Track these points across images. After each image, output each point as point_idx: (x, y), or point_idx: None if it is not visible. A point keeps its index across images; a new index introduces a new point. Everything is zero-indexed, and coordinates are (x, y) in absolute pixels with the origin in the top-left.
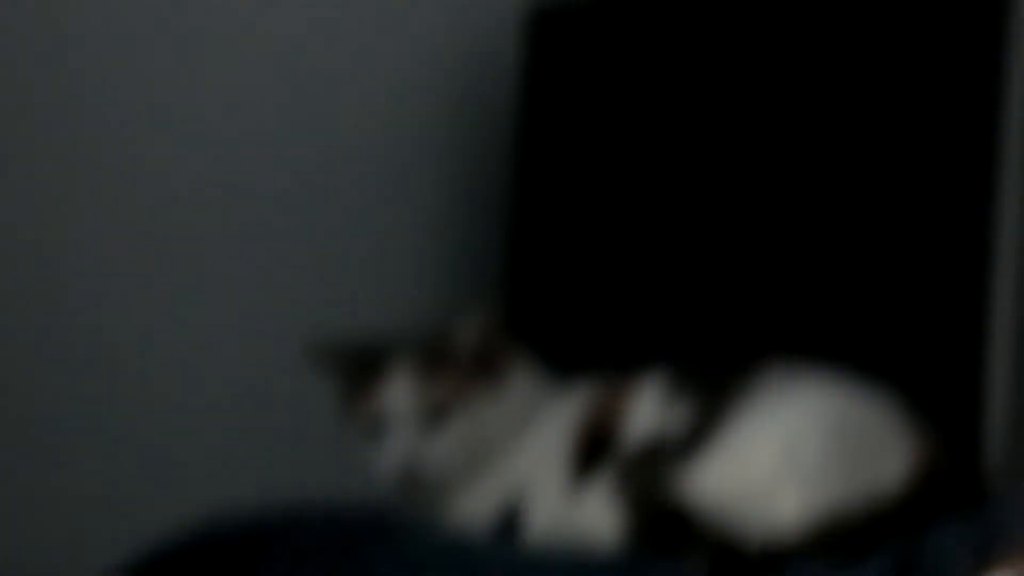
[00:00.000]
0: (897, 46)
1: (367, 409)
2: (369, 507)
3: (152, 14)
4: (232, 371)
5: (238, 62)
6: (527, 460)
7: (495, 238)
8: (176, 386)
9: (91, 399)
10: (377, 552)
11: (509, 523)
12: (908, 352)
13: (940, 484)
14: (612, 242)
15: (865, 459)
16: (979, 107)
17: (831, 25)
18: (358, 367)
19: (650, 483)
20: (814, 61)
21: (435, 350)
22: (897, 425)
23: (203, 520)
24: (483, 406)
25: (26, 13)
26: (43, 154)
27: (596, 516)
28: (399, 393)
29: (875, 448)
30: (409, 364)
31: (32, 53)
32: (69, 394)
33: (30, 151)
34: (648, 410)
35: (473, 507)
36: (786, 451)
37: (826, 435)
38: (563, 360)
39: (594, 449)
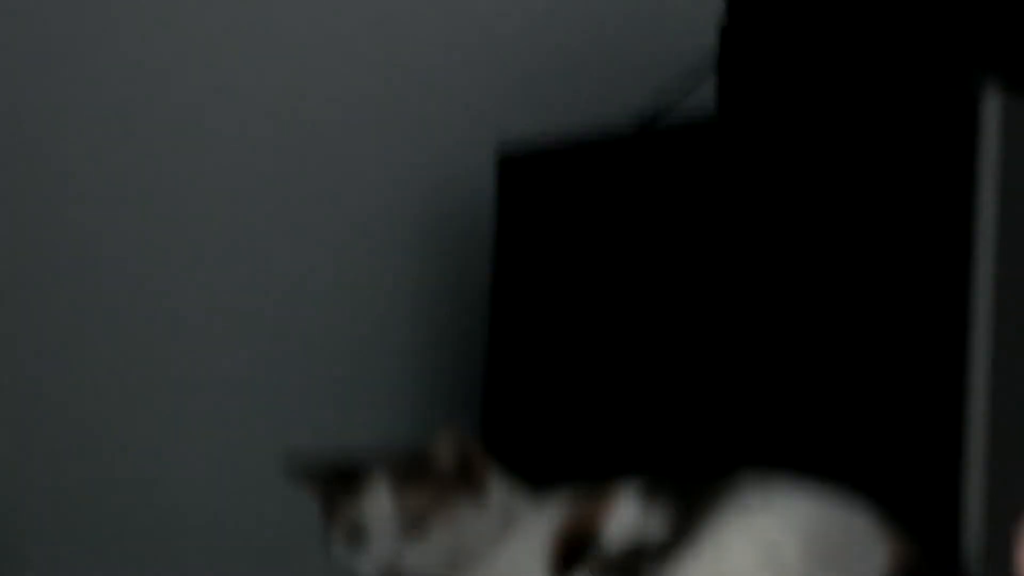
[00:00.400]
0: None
1: (348, 518)
2: None
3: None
4: (213, 488)
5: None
6: (507, 567)
7: (470, 360)
8: (161, 497)
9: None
10: None
11: None
12: (885, 458)
13: None
14: (582, 360)
15: (843, 562)
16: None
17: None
18: (337, 479)
19: None
20: (767, 186)
21: (414, 462)
22: (874, 529)
23: None
24: (462, 516)
25: (31, 14)
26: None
27: None
28: (380, 501)
29: (852, 551)
30: (389, 475)
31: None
32: None
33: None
34: (626, 516)
35: None
36: (764, 554)
37: (804, 539)
38: (535, 481)
39: (573, 555)
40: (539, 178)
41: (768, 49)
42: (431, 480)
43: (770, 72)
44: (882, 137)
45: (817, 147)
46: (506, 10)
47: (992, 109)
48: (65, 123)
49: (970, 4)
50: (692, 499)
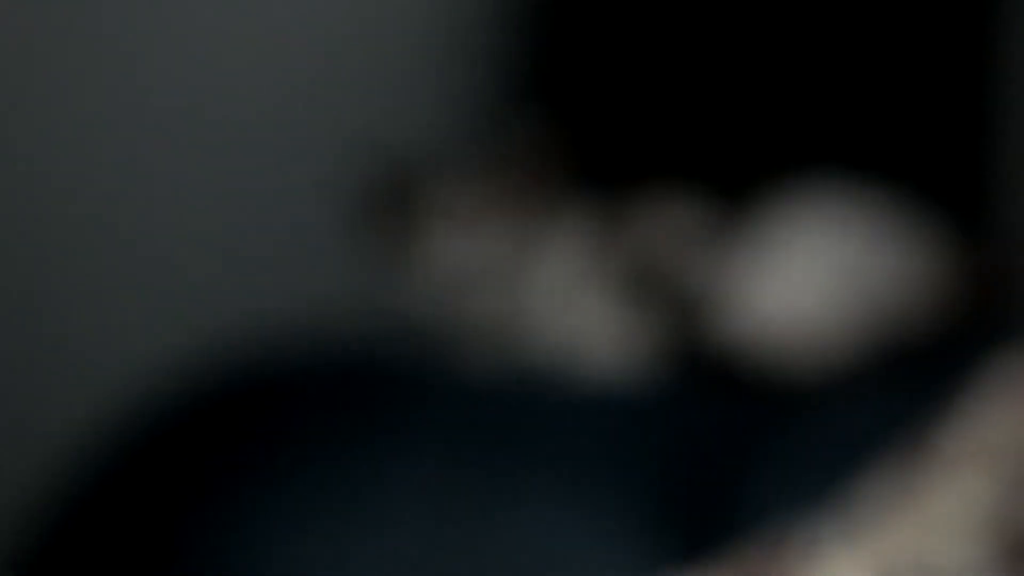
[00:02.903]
0: None
1: (406, 218)
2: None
3: None
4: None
5: None
6: (547, 285)
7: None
8: (173, 197)
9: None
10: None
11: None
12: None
13: (969, 309)
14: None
15: (891, 289)
16: None
17: None
18: (398, 183)
19: (680, 320)
20: None
21: (483, 161)
22: (924, 253)
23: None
24: (529, 219)
25: None
26: None
27: (619, 346)
28: (445, 202)
29: (901, 277)
30: (456, 174)
31: None
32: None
33: None
34: (661, 223)
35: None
36: (812, 288)
37: (850, 268)
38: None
39: (619, 276)
40: None
41: None
42: (503, 181)
43: None
44: None
45: None
46: None
47: None
48: None
49: None
50: (729, 214)
